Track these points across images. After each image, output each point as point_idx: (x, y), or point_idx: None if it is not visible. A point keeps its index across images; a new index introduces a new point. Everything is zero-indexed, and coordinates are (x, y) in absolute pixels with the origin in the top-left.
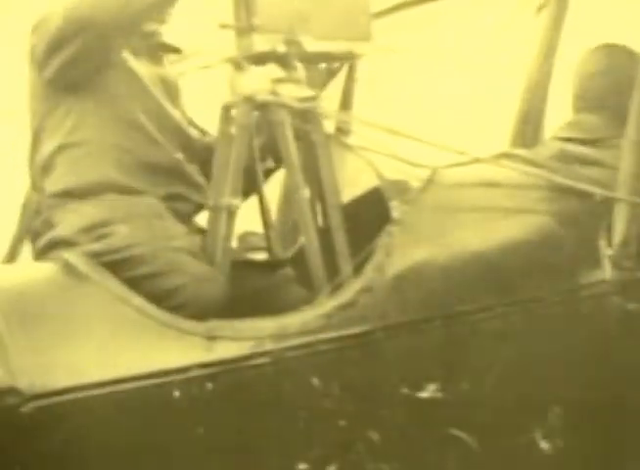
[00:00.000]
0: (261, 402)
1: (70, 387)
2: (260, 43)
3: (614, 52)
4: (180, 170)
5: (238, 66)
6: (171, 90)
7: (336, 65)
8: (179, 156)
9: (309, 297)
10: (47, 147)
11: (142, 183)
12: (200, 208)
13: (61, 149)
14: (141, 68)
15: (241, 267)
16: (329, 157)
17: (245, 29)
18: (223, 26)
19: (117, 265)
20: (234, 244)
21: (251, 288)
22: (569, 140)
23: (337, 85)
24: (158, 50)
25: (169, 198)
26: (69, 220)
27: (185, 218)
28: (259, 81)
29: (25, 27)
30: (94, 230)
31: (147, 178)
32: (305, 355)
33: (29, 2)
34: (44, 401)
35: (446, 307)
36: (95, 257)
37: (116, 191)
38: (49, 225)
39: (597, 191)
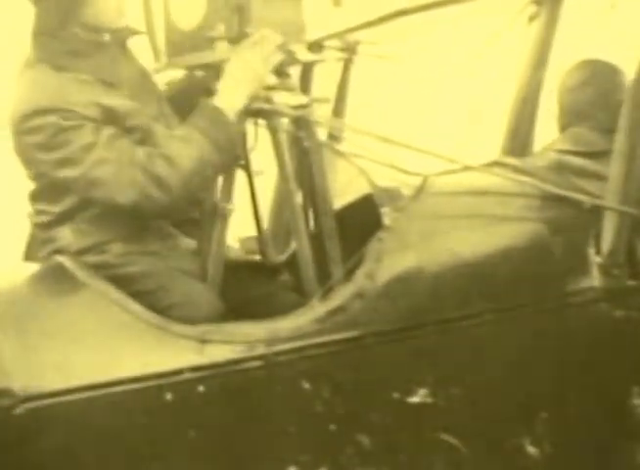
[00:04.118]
0: (253, 406)
1: (63, 389)
2: None
3: (593, 66)
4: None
5: None
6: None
7: None
8: None
9: (304, 303)
10: None
11: None
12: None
13: None
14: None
15: (238, 272)
16: (321, 163)
17: (238, 38)
18: (217, 35)
19: (112, 281)
20: (236, 247)
21: (247, 295)
22: (567, 152)
23: (330, 92)
24: None
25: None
26: (69, 234)
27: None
28: None
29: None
30: (93, 246)
31: None
32: (297, 360)
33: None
34: (37, 403)
35: (436, 314)
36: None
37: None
38: (50, 240)
39: (585, 199)
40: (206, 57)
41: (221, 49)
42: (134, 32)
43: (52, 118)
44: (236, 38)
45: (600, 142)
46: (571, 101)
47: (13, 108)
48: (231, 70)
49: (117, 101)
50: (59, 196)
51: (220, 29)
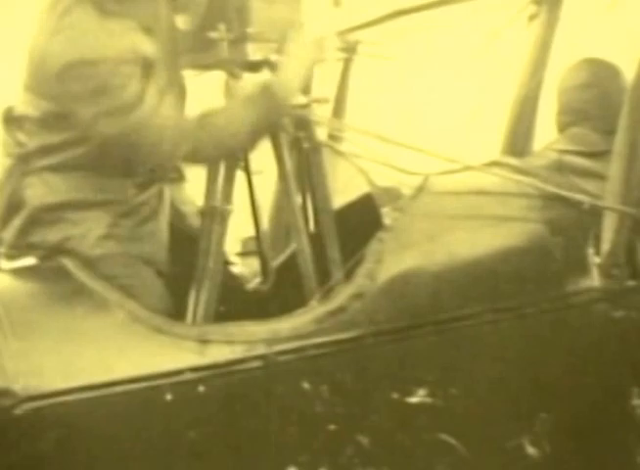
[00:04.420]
0: (252, 406)
1: (64, 389)
2: (254, 52)
3: (593, 65)
4: None
5: (231, 73)
6: None
7: None
8: None
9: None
10: None
11: None
12: None
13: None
14: None
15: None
16: (321, 163)
17: (238, 38)
18: (217, 35)
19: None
20: (237, 248)
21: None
22: (567, 152)
23: (330, 92)
24: None
25: None
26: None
27: None
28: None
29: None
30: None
31: None
32: (296, 360)
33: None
34: (38, 404)
35: (436, 314)
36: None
37: None
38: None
39: (585, 200)
40: (207, 57)
41: (221, 49)
42: None
43: (99, 70)
44: (236, 39)
45: (600, 142)
46: (571, 100)
47: (51, 51)
48: (292, 50)
49: (154, 49)
50: None
51: (221, 30)
